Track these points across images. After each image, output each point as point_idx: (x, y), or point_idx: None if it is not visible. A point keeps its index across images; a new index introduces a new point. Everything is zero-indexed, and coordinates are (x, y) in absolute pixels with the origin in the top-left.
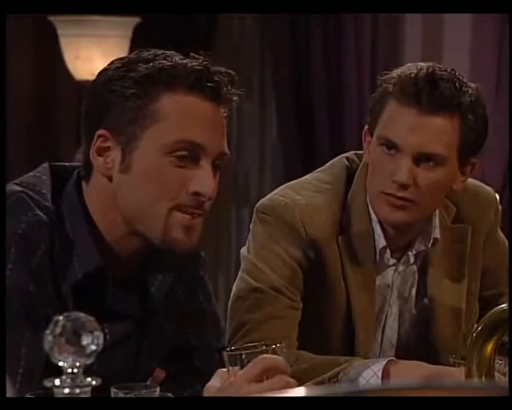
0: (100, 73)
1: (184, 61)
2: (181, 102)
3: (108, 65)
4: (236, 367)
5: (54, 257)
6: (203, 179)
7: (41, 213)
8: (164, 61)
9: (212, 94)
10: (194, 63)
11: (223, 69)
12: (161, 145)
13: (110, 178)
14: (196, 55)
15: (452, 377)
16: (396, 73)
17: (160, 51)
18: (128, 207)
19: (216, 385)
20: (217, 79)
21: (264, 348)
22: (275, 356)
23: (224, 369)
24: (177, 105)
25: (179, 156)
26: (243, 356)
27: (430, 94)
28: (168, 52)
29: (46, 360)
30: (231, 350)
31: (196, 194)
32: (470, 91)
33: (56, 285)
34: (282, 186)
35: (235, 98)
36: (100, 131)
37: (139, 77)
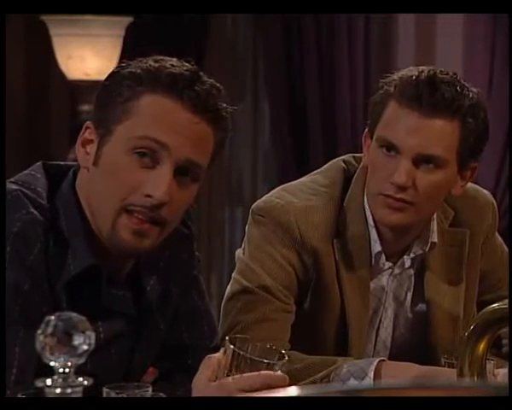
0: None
1: (169, 65)
2: (156, 102)
3: None
4: (230, 362)
5: (48, 255)
6: (157, 182)
7: (35, 212)
8: (152, 63)
9: (191, 102)
10: (176, 68)
11: (208, 80)
12: (126, 140)
13: (88, 168)
14: (185, 62)
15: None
16: (397, 75)
17: (160, 56)
18: (90, 200)
19: (205, 379)
20: (197, 88)
21: (267, 361)
22: (277, 375)
23: (212, 356)
24: (151, 105)
25: (141, 154)
26: (245, 357)
27: (431, 96)
28: (166, 57)
29: (39, 360)
30: (235, 344)
31: (148, 196)
32: (471, 95)
33: (51, 284)
34: (278, 188)
35: (223, 114)
36: (87, 123)
37: (127, 74)
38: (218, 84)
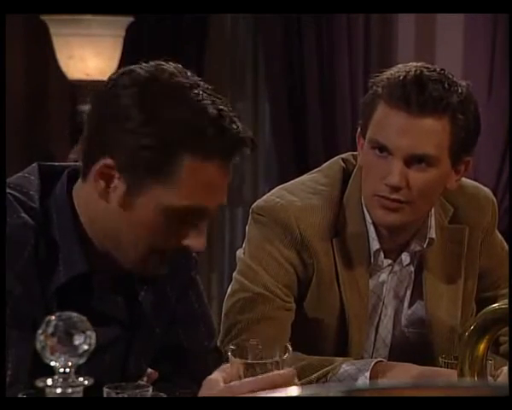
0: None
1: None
2: (198, 169)
3: None
4: (239, 362)
5: (39, 260)
6: (198, 239)
7: (26, 216)
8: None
9: (222, 158)
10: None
11: (248, 135)
12: (167, 206)
13: (107, 201)
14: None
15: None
16: (385, 75)
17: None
18: (111, 235)
19: (217, 380)
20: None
21: (274, 360)
22: (285, 373)
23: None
24: (194, 173)
25: (182, 218)
26: (252, 364)
27: (418, 96)
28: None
29: (37, 360)
30: (236, 349)
31: (187, 248)
32: (460, 90)
33: (42, 289)
34: (278, 187)
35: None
36: (107, 161)
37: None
38: (253, 137)
